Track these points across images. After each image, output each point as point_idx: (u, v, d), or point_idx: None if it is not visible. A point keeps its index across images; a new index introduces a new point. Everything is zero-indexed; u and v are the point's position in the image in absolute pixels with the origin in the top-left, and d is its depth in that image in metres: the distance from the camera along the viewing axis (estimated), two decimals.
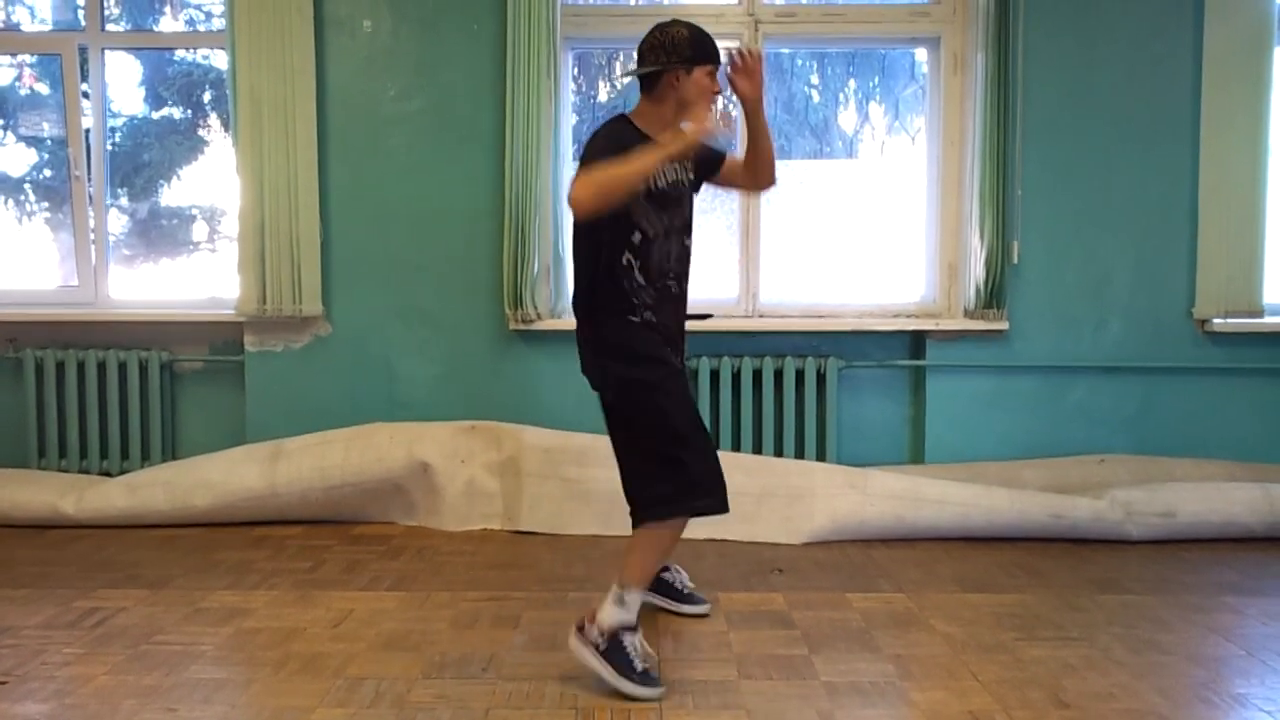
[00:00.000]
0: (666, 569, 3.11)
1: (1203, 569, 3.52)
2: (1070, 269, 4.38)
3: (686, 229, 2.81)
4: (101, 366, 4.44)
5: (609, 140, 2.62)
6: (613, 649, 2.49)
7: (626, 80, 2.66)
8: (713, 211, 4.49)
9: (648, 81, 2.72)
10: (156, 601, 3.15)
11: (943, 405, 4.39)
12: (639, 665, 2.48)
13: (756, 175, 2.92)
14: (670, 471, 2.62)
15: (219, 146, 4.80)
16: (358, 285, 4.41)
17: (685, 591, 3.09)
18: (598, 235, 2.66)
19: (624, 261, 2.66)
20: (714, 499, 2.67)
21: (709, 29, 4.28)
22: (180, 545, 3.80)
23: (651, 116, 2.72)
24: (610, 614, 2.53)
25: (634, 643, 2.52)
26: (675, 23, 2.71)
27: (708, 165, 2.92)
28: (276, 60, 4.22)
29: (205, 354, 4.55)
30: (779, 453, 4.34)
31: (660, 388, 2.65)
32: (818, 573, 3.49)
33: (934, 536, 3.86)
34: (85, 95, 4.56)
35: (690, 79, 2.67)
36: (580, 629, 2.55)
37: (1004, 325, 4.30)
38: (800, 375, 4.34)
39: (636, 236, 2.66)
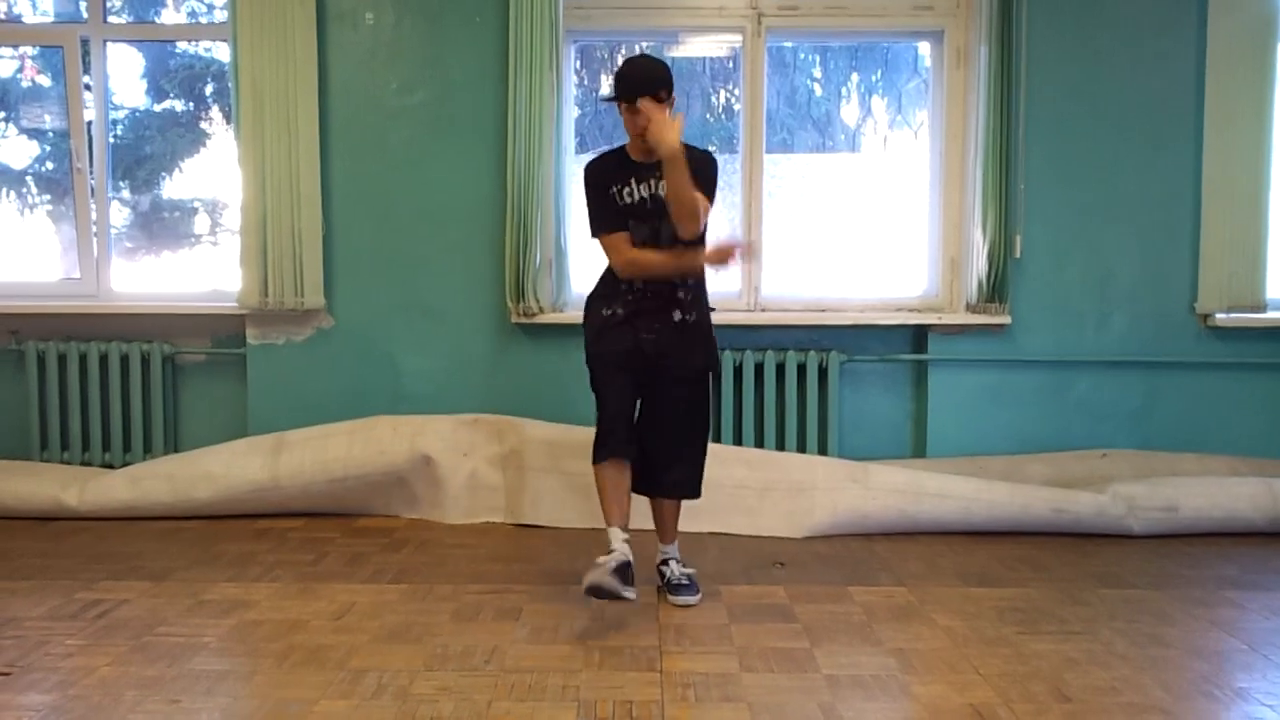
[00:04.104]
0: (665, 561, 3.20)
1: (1205, 563, 3.52)
2: (1073, 263, 4.37)
3: (678, 242, 3.01)
4: (103, 359, 4.45)
5: (587, 185, 3.08)
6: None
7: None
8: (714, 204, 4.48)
9: None
10: (159, 593, 3.16)
11: (945, 399, 4.39)
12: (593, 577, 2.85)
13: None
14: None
15: (221, 139, 4.80)
16: (360, 278, 4.41)
17: (673, 583, 3.14)
18: None
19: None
20: (599, 448, 3.06)
21: (712, 23, 4.41)
22: (182, 537, 3.81)
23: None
24: None
25: (601, 558, 2.89)
26: (630, 56, 3.08)
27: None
28: (279, 53, 4.22)
29: (207, 347, 4.55)
30: (781, 447, 4.34)
31: (592, 358, 3.13)
32: (819, 566, 3.49)
33: (936, 530, 3.86)
34: (87, 87, 4.56)
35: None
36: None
37: (1006, 319, 4.29)
38: (802, 369, 4.33)
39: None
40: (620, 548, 2.92)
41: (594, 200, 3.06)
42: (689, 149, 3.00)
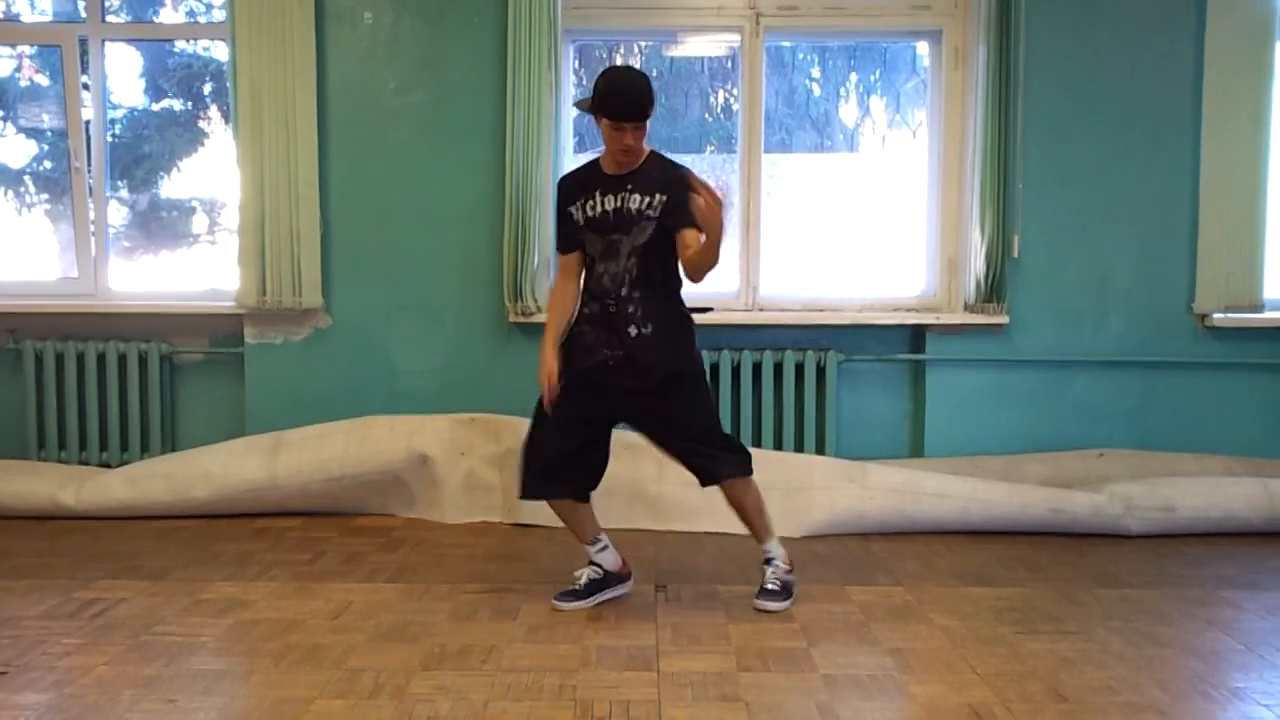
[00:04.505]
0: (766, 560, 3.17)
1: (1202, 563, 3.52)
2: (1071, 263, 4.38)
3: (636, 252, 2.95)
4: (101, 358, 4.44)
5: (557, 197, 3.11)
6: None
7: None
8: None
9: None
10: (156, 593, 3.16)
11: (943, 399, 4.39)
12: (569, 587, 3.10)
13: (686, 267, 2.95)
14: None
15: (219, 139, 4.80)
16: (358, 278, 4.41)
17: (764, 586, 3.11)
18: None
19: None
20: (519, 481, 3.10)
21: (711, 23, 4.42)
22: (180, 537, 3.81)
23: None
24: None
25: (579, 572, 3.14)
26: (610, 70, 2.98)
27: (674, 214, 2.93)
28: (277, 52, 4.22)
29: (205, 346, 4.55)
30: (778, 446, 4.34)
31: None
32: (817, 566, 3.49)
33: (933, 530, 3.87)
34: (85, 87, 4.56)
35: (601, 124, 2.92)
36: None
37: (1004, 319, 4.30)
38: (800, 369, 4.34)
39: (587, 259, 3.08)
40: (597, 558, 3.13)
41: (557, 218, 3.13)
42: (667, 164, 2.98)
